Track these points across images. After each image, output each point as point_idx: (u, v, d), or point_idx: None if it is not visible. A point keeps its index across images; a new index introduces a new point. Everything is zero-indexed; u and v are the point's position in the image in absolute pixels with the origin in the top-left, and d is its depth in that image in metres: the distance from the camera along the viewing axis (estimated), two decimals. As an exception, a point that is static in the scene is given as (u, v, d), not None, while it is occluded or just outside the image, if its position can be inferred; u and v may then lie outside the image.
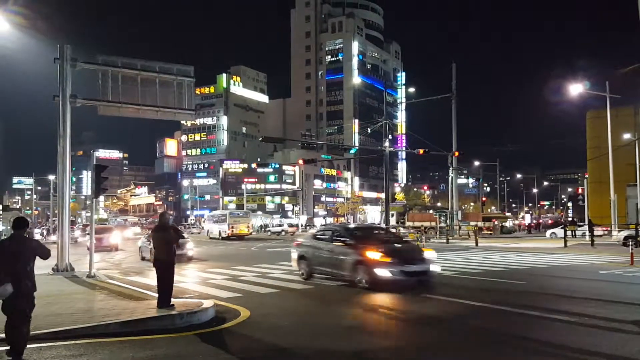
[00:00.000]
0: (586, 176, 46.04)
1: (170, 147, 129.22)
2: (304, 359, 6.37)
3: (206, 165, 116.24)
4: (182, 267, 17.41)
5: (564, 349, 6.37)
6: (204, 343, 7.09)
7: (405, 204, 71.36)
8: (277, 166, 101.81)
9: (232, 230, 42.92)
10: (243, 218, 47.11)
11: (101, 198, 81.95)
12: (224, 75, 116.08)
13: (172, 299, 9.07)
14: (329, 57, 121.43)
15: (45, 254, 6.51)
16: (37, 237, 57.99)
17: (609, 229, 33.06)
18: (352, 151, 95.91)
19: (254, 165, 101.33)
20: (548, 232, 39.19)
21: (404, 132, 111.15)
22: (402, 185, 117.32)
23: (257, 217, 78.58)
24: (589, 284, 12.41)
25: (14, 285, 6.03)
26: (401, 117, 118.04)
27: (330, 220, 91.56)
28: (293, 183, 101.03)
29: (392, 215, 54.68)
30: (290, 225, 58.73)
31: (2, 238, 8.81)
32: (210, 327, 8.04)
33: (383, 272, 11.26)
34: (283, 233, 53.39)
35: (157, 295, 9.09)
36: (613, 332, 7.33)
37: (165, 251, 9.10)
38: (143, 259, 22.01)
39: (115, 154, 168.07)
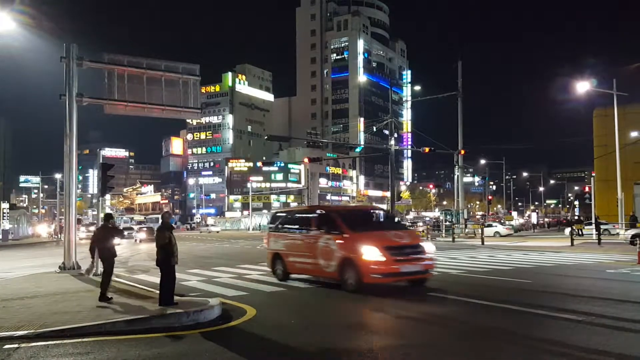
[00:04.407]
0: (593, 174, 45.62)
1: (176, 145, 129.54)
2: (310, 357, 6.36)
3: (212, 163, 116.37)
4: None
5: (572, 348, 6.32)
6: (210, 341, 7.10)
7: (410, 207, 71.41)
8: (282, 165, 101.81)
9: None
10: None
11: (107, 196, 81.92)
12: (230, 73, 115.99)
13: (179, 297, 9.14)
14: (335, 55, 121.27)
15: (121, 235, 13.53)
16: (44, 235, 58.72)
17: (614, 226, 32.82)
18: (358, 149, 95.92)
19: (259, 164, 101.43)
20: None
21: (409, 130, 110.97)
22: (408, 183, 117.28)
23: (261, 216, 78.70)
24: (596, 283, 12.31)
25: (98, 254, 10.42)
26: (407, 115, 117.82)
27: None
28: (298, 182, 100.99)
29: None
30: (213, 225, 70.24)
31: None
32: (217, 325, 8.05)
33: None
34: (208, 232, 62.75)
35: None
36: (621, 331, 7.27)
37: (166, 251, 9.17)
38: None
39: (121, 153, 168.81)
